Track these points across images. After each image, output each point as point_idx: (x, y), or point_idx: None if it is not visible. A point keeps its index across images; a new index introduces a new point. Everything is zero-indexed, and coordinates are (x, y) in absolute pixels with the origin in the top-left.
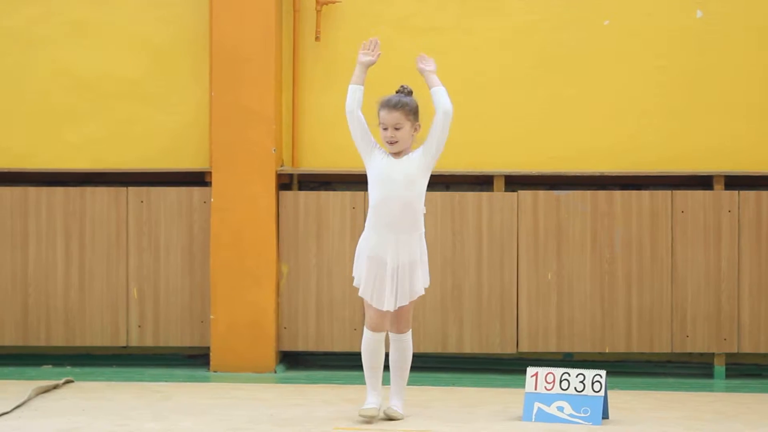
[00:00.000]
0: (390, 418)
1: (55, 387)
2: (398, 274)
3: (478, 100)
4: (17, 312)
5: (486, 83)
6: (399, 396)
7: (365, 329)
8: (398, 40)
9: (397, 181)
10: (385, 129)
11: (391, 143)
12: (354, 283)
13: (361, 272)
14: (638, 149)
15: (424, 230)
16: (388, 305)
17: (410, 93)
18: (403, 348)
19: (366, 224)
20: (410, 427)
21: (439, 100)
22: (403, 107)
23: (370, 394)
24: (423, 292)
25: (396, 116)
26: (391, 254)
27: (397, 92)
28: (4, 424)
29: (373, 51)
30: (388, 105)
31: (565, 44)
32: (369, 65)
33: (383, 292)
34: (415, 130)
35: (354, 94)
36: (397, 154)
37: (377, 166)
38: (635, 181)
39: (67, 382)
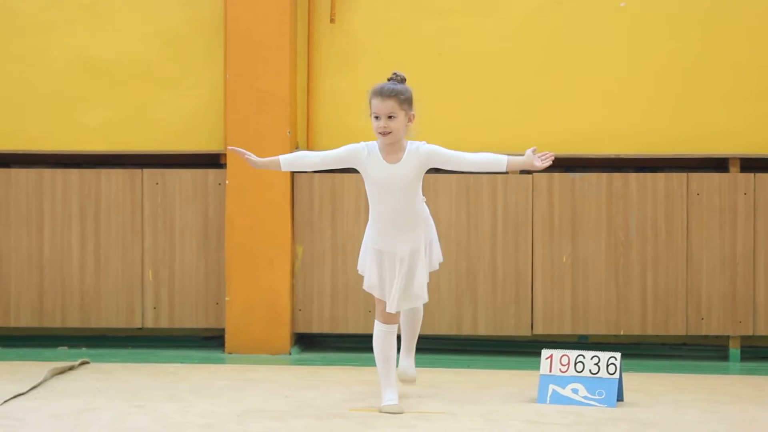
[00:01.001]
0: (404, 381)
1: (71, 368)
2: (404, 269)
3: (492, 82)
4: (33, 294)
5: (500, 65)
6: (410, 353)
7: (376, 321)
8: (413, 22)
9: (394, 190)
10: (377, 118)
11: (384, 134)
12: (358, 271)
13: (365, 263)
14: (654, 131)
15: (427, 213)
16: (392, 307)
17: (403, 80)
18: (414, 311)
19: (369, 216)
20: (425, 409)
21: (487, 168)
22: (397, 95)
23: (387, 391)
24: (425, 291)
25: (389, 105)
26: (394, 248)
27: (389, 80)
28: (21, 405)
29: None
30: (381, 93)
31: (580, 26)
32: (258, 160)
33: (389, 289)
34: (409, 120)
35: (301, 161)
36: (391, 156)
37: (371, 173)
38: (651, 163)
39: (83, 363)
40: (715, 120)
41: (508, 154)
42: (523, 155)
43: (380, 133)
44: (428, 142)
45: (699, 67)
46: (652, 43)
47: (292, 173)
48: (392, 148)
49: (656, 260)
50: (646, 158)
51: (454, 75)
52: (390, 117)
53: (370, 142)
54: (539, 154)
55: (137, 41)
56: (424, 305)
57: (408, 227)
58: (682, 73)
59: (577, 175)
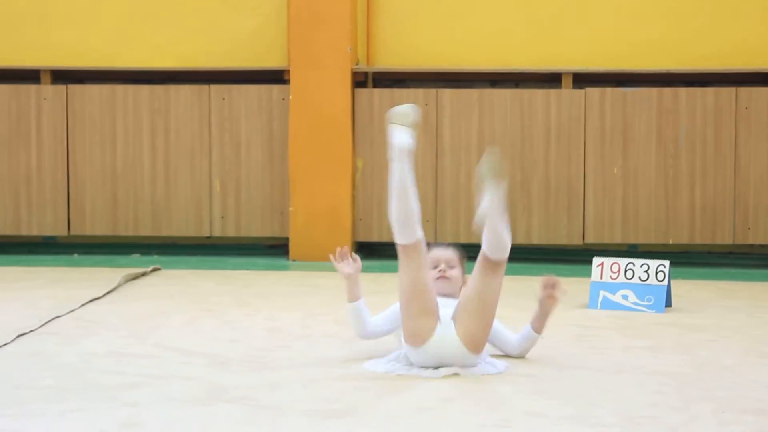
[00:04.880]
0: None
1: (144, 274)
2: None
3: None
4: (107, 204)
5: None
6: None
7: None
8: None
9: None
10: (436, 267)
11: (444, 279)
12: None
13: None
14: (703, 45)
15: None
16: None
17: None
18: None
19: None
20: None
21: (527, 346)
22: (456, 249)
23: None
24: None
25: (450, 253)
26: None
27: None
28: (97, 308)
29: (348, 262)
30: (440, 244)
31: None
32: (354, 277)
33: None
34: (464, 283)
35: (356, 317)
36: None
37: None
38: (700, 77)
39: (155, 269)
40: (764, 33)
41: (563, 70)
42: (538, 317)
43: (440, 278)
44: None
45: None
46: None
47: (353, 90)
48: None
49: (704, 172)
50: (695, 73)
51: None
52: (450, 266)
53: None
54: (543, 286)
55: None
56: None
57: None
58: None
59: (629, 90)
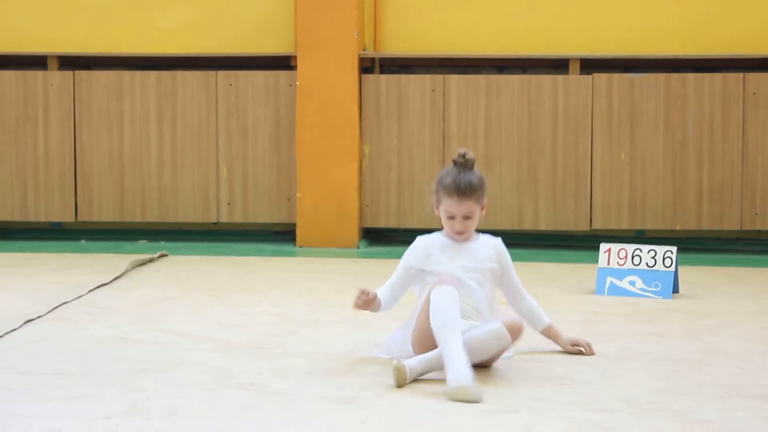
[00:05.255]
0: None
1: (151, 260)
2: None
3: None
4: (114, 190)
5: None
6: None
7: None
8: None
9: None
10: (452, 217)
11: (460, 234)
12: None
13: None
14: (711, 31)
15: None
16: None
17: (473, 163)
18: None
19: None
20: None
21: (529, 320)
22: (475, 192)
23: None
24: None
25: (468, 205)
26: None
27: (458, 165)
28: (105, 294)
29: (365, 303)
30: (458, 192)
31: None
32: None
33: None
34: (483, 209)
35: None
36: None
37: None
38: (708, 63)
39: (162, 255)
40: None
41: (570, 56)
42: (562, 335)
43: (455, 232)
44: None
45: None
46: None
47: (360, 76)
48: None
49: (712, 157)
50: (703, 58)
51: None
52: (467, 217)
53: (428, 237)
54: (575, 345)
55: None
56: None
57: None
58: None
59: (636, 75)
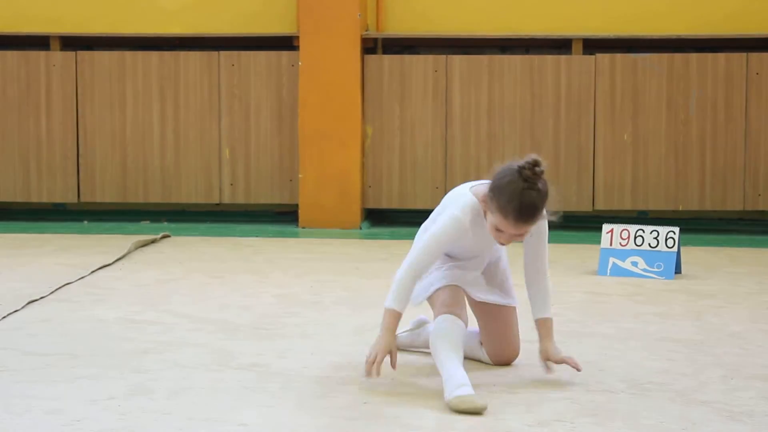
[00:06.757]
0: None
1: (153, 241)
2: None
3: None
4: (117, 171)
5: None
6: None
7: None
8: None
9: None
10: (500, 231)
11: (502, 245)
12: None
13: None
14: (713, 9)
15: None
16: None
17: (542, 174)
18: None
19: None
20: None
21: (541, 297)
22: (536, 219)
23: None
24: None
25: (524, 229)
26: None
27: (524, 178)
28: (107, 275)
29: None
30: (517, 219)
31: None
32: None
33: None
34: None
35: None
36: None
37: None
38: (711, 44)
39: (165, 236)
40: None
41: (573, 36)
42: (553, 338)
43: (499, 243)
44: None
45: None
46: None
47: (362, 56)
48: None
49: (715, 138)
50: (706, 38)
51: None
52: (518, 235)
53: (466, 211)
54: (561, 361)
55: None
56: None
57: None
58: None
59: (639, 56)
